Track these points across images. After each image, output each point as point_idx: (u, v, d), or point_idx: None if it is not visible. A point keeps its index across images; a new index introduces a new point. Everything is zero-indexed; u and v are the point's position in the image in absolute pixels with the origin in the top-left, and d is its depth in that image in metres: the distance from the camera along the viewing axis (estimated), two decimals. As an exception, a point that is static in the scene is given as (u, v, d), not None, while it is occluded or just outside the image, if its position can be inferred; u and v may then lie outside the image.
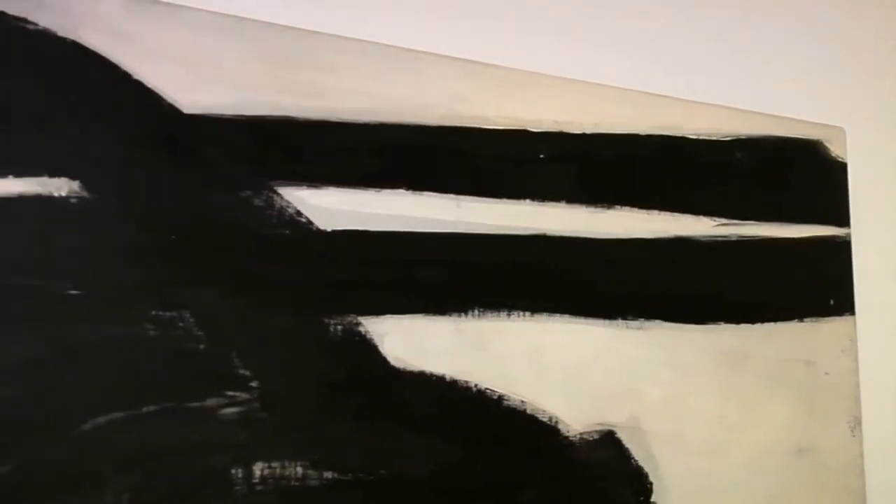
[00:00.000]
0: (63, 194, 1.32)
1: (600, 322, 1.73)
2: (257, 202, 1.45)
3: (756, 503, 1.85)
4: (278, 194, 1.47)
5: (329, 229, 1.50)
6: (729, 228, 1.85)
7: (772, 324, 1.91)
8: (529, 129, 1.68)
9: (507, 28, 1.70)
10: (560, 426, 1.66)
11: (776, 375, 1.89)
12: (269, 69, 1.47)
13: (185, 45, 1.42)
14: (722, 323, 1.85)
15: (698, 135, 1.83)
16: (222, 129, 1.43)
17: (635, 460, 1.73)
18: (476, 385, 1.60)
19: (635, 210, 1.78)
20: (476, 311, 1.61)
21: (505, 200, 1.65)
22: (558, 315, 1.69)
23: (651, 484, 1.73)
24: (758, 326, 1.89)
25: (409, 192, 1.57)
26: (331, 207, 1.50)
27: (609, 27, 1.80)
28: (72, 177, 1.33)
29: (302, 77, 1.49)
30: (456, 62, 1.62)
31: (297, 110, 1.49)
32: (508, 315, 1.64)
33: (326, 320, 1.49)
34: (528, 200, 1.68)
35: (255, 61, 1.47)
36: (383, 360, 1.52)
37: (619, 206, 1.76)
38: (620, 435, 1.72)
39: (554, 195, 1.70)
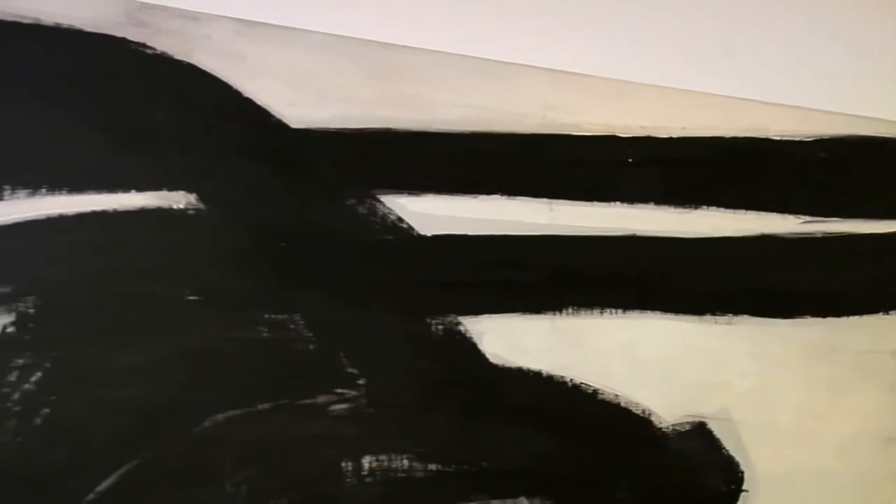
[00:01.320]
0: (181, 206, 1.33)
1: (690, 318, 1.67)
2: (361, 210, 1.44)
3: (845, 491, 1.77)
4: (380, 202, 1.45)
5: (429, 234, 1.48)
6: (813, 225, 1.78)
7: (857, 317, 1.82)
8: (618, 134, 1.64)
9: (596, 39, 1.66)
10: (653, 418, 1.62)
11: (862, 366, 1.81)
12: (370, 84, 1.46)
13: (291, 64, 1.41)
14: (808, 317, 1.77)
15: (782, 136, 1.77)
16: (327, 142, 1.42)
17: (726, 450, 1.67)
18: (571, 380, 1.56)
19: (722, 210, 1.71)
20: (570, 310, 1.58)
21: (596, 203, 1.61)
22: (649, 312, 1.64)
23: (742, 473, 1.67)
24: (843, 319, 1.81)
25: (504, 198, 1.54)
26: (430, 213, 1.48)
27: (693, 35, 1.75)
28: (189, 190, 1.34)
29: (402, 91, 1.48)
30: (548, 73, 1.58)
31: (397, 122, 1.47)
32: (601, 313, 1.60)
33: (428, 320, 1.47)
34: (617, 203, 1.63)
35: (357, 77, 1.45)
36: (483, 358, 1.50)
37: (705, 207, 1.70)
38: (711, 426, 1.66)
39: (643, 197, 1.65)
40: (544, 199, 1.57)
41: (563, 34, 1.63)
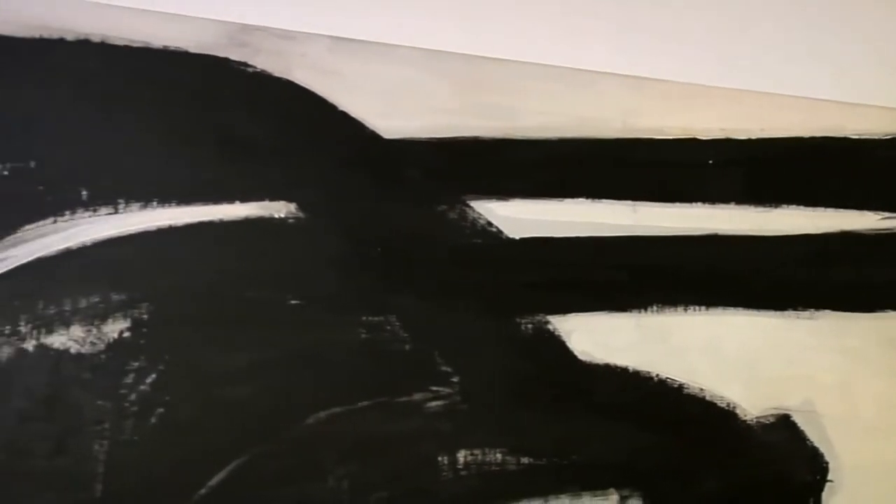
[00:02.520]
0: (282, 215, 1.33)
1: (772, 313, 1.61)
2: (452, 215, 1.42)
3: (929, 480, 1.68)
4: (470, 207, 1.43)
5: (517, 237, 1.46)
6: (892, 221, 1.71)
7: (938, 310, 1.72)
8: (699, 137, 1.59)
9: (675, 46, 1.62)
10: (738, 411, 1.56)
11: (944, 359, 1.71)
12: (458, 95, 1.45)
13: (383, 78, 1.41)
14: (889, 311, 1.69)
15: (860, 135, 1.70)
16: (418, 151, 1.41)
17: (811, 441, 1.60)
18: (657, 375, 1.52)
19: (801, 208, 1.65)
20: (655, 307, 1.53)
21: (678, 204, 1.57)
22: (732, 308, 1.59)
23: (827, 463, 1.60)
24: (924, 313, 1.71)
25: (589, 201, 1.51)
26: (518, 217, 1.46)
27: (770, 38, 1.70)
28: (289, 199, 1.34)
29: (489, 100, 1.46)
30: (629, 80, 1.55)
31: (484, 130, 1.46)
32: (685, 310, 1.55)
33: (518, 320, 1.44)
34: (699, 203, 1.59)
35: (445, 89, 1.44)
36: (571, 355, 1.47)
37: (785, 205, 1.64)
38: (795, 418, 1.60)
39: (723, 197, 1.60)
40: (628, 202, 1.54)
41: (643, 42, 1.60)
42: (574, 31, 1.55)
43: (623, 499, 1.47)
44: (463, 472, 1.38)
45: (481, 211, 1.44)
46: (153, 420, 1.24)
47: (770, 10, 1.70)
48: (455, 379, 1.39)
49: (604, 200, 1.52)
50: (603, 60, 1.54)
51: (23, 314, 1.21)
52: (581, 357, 1.47)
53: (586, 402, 1.47)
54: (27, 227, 1.22)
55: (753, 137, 1.63)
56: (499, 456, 1.40)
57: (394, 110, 1.40)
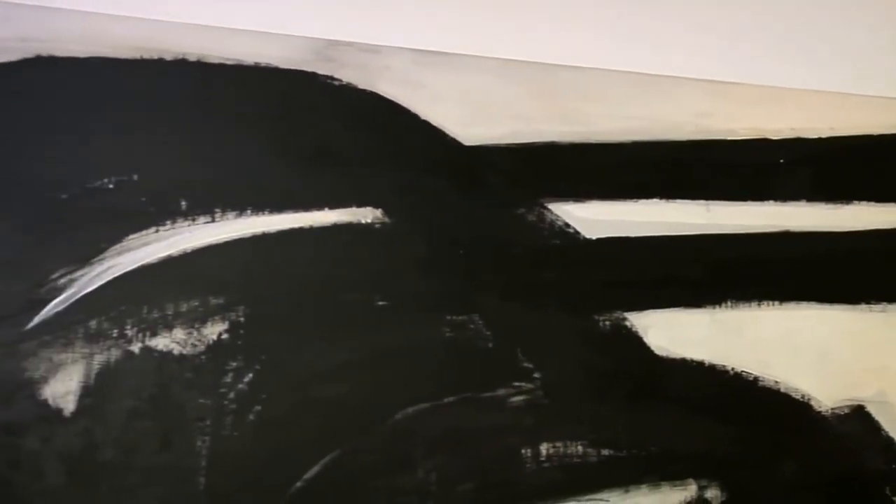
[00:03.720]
0: (368, 221, 1.32)
1: (844, 307, 1.54)
2: (530, 217, 1.39)
3: None
4: (548, 209, 1.40)
5: (594, 237, 1.42)
6: (964, 215, 1.61)
7: None
8: (769, 137, 1.53)
9: (746, 49, 1.56)
10: (812, 403, 1.50)
11: None
12: (536, 102, 1.42)
13: (463, 88, 1.39)
14: (961, 302, 1.60)
15: (928, 131, 1.62)
16: (497, 157, 1.39)
17: (885, 432, 1.52)
18: (732, 368, 1.47)
19: (872, 204, 1.58)
20: (729, 303, 1.48)
21: (750, 203, 1.52)
22: (805, 302, 1.52)
23: (902, 453, 1.54)
24: None
25: (663, 201, 1.47)
26: (594, 218, 1.42)
27: (840, 38, 1.63)
28: (375, 205, 1.33)
29: (565, 106, 1.43)
30: (701, 83, 1.50)
31: (561, 136, 1.42)
32: (759, 304, 1.50)
33: (596, 317, 1.41)
34: (770, 201, 1.53)
35: (523, 96, 1.41)
36: (648, 350, 1.43)
37: (856, 202, 1.57)
38: (870, 409, 1.53)
39: (794, 195, 1.54)
40: (701, 201, 1.49)
41: (715, 46, 1.55)
42: (648, 38, 1.51)
43: (701, 488, 1.43)
44: (545, 464, 1.35)
45: (559, 213, 1.41)
46: (251, 417, 1.24)
47: (839, 11, 1.63)
48: (537, 375, 1.36)
49: (677, 200, 1.48)
50: (676, 66, 1.50)
51: (129, 318, 1.21)
52: (658, 352, 1.43)
53: (663, 395, 1.44)
54: (132, 236, 1.22)
55: (823, 136, 1.57)
56: (580, 448, 1.37)
57: (473, 118, 1.38)
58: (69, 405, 1.18)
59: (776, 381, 1.48)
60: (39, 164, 1.21)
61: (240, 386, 1.24)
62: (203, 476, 1.21)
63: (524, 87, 1.41)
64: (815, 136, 1.56)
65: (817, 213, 1.55)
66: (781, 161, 1.54)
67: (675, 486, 1.41)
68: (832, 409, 1.51)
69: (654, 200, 1.46)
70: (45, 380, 1.17)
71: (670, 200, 1.47)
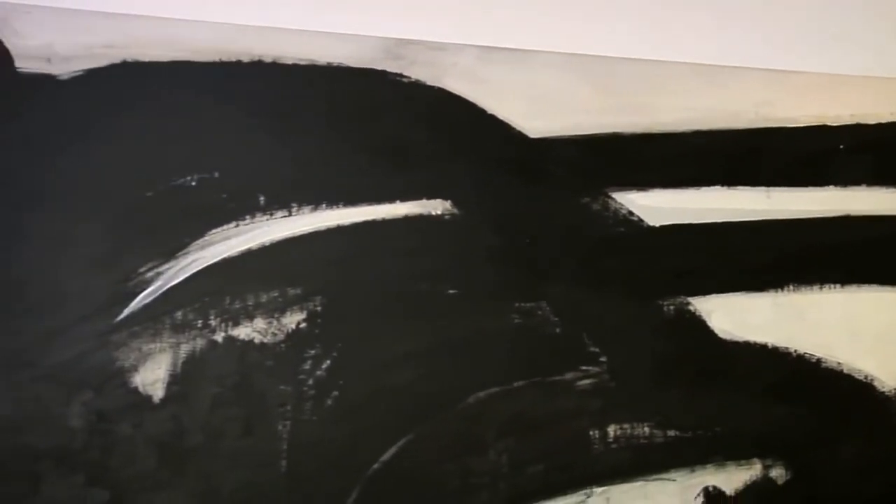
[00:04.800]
0: (438, 212, 1.29)
1: (905, 289, 1.49)
2: (595, 206, 1.36)
3: None
4: (612, 198, 1.37)
5: (657, 225, 1.38)
6: None
7: None
8: (829, 124, 1.48)
9: (804, 37, 1.50)
10: (875, 383, 1.45)
11: None
12: (598, 95, 1.37)
13: (527, 83, 1.35)
14: None
15: None
16: (562, 149, 1.35)
17: (949, 411, 1.47)
18: (795, 351, 1.42)
19: (932, 187, 1.52)
20: (791, 286, 1.43)
21: (810, 188, 1.46)
22: (866, 285, 1.47)
23: (964, 433, 1.48)
24: None
25: (724, 188, 1.42)
26: (657, 206, 1.38)
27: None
28: (444, 197, 1.30)
29: (627, 99, 1.39)
30: (760, 73, 1.45)
31: (623, 126, 1.38)
32: (821, 288, 1.45)
33: (660, 302, 1.37)
34: (831, 186, 1.47)
35: (586, 89, 1.37)
36: (712, 334, 1.39)
37: (916, 185, 1.52)
38: (932, 389, 1.48)
39: (854, 180, 1.48)
40: (762, 188, 1.44)
41: (774, 36, 1.49)
42: (707, 29, 1.45)
43: (766, 468, 1.39)
44: (613, 446, 1.32)
45: (622, 202, 1.37)
46: (329, 402, 1.22)
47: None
48: (603, 359, 1.33)
49: (739, 187, 1.43)
50: (736, 56, 1.45)
51: (212, 309, 1.20)
52: (721, 335, 1.39)
53: (727, 377, 1.39)
54: (213, 231, 1.21)
55: (883, 122, 1.51)
56: (646, 430, 1.34)
57: (538, 112, 1.34)
58: (158, 392, 1.17)
59: (839, 363, 1.43)
60: (126, 165, 1.19)
61: (318, 373, 1.22)
62: (284, 459, 1.19)
63: (586, 81, 1.37)
64: (875, 122, 1.50)
65: (877, 196, 1.50)
66: (841, 147, 1.49)
67: (741, 465, 1.37)
68: (894, 389, 1.46)
69: (716, 188, 1.42)
70: (135, 368, 1.16)
71: (731, 188, 1.42)
